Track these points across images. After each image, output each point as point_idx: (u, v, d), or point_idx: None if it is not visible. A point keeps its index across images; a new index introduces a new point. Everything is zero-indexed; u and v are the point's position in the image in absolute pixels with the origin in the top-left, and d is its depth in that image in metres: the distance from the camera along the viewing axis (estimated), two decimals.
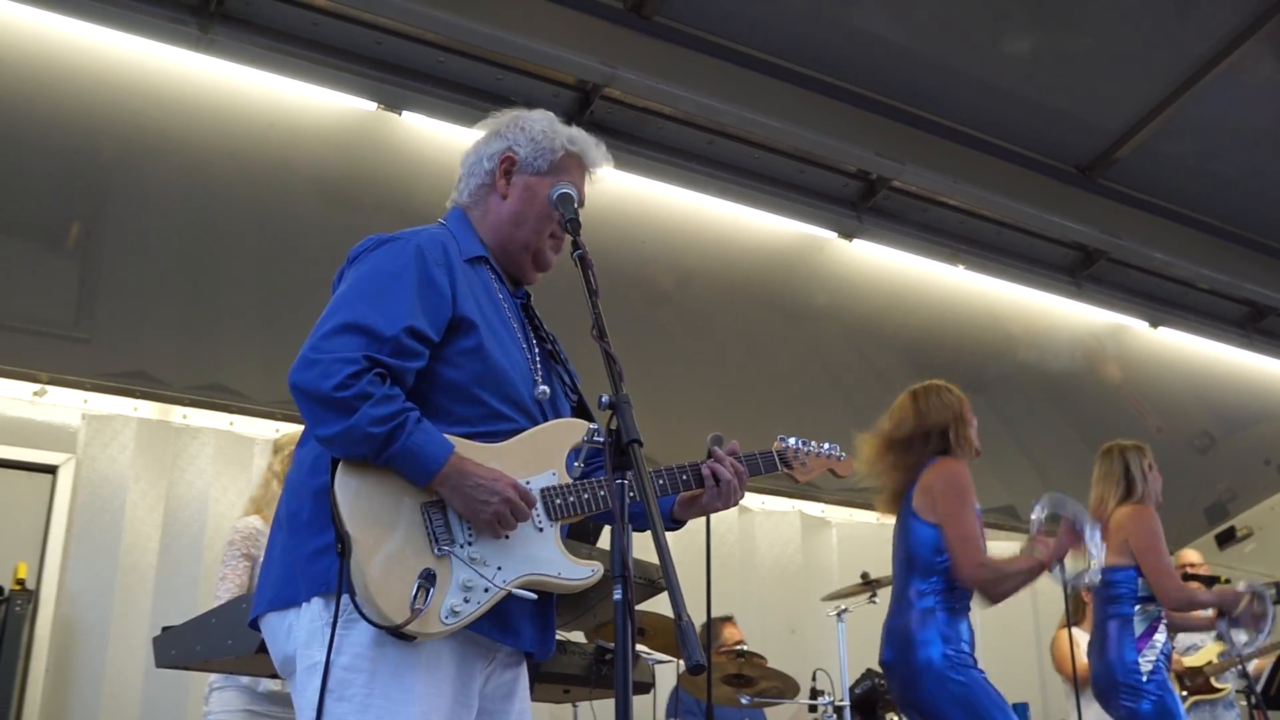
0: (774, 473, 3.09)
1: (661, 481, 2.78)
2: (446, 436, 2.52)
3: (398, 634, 2.40)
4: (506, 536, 2.55)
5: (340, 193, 6.31)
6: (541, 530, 2.63)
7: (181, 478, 6.90)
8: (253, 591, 4.68)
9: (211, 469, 6.93)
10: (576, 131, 2.97)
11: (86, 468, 6.61)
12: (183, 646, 4.04)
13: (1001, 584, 4.52)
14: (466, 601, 2.47)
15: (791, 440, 3.14)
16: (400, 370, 2.53)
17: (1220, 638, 6.72)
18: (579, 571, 2.64)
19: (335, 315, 2.57)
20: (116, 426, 6.72)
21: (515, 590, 2.54)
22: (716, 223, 6.91)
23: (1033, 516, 4.78)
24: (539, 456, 2.67)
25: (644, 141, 6.24)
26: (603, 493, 2.68)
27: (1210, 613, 5.56)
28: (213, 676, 4.83)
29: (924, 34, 6.32)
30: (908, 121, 6.74)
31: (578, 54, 5.71)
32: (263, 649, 3.67)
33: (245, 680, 4.73)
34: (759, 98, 6.20)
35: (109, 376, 6.71)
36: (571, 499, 2.66)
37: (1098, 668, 5.41)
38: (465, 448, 2.55)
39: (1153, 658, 5.23)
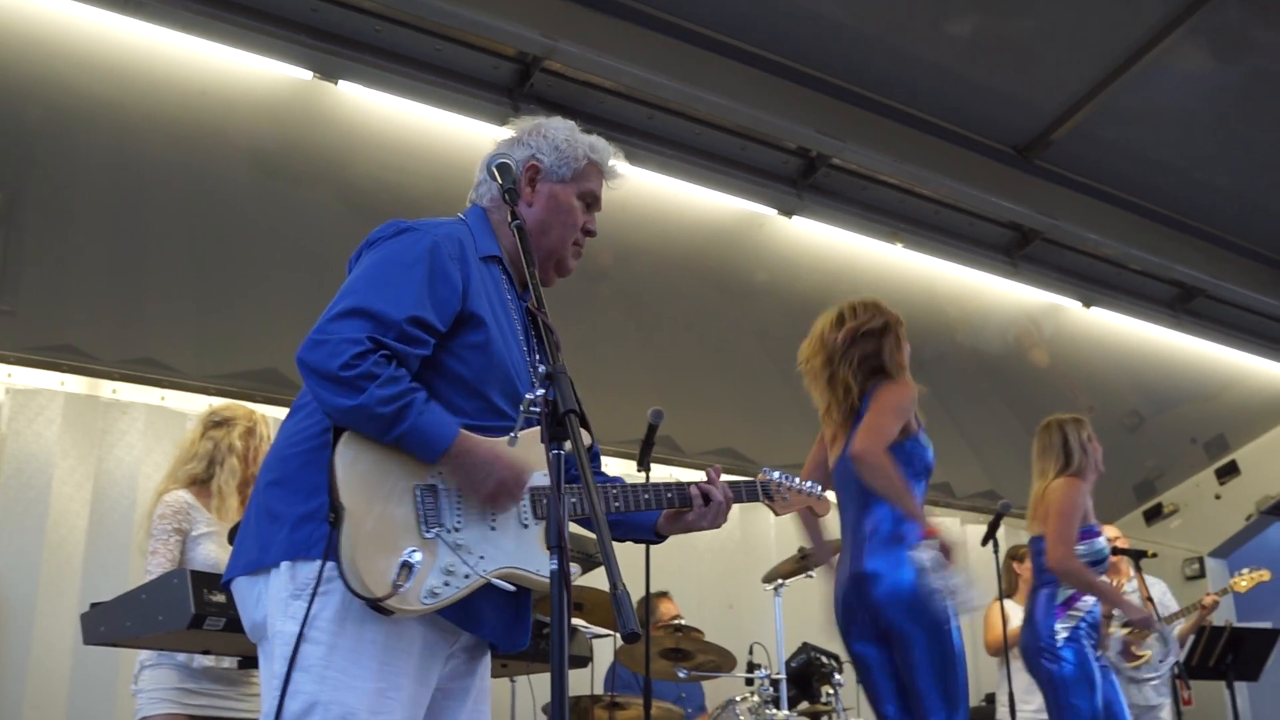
0: (754, 501, 3.19)
1: (647, 496, 2.88)
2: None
3: (376, 607, 2.45)
4: (493, 522, 2.63)
5: (274, 163, 6.22)
6: (527, 527, 2.69)
7: (111, 453, 6.78)
8: (184, 566, 4.65)
9: (142, 445, 6.82)
10: (596, 140, 3.07)
11: (11, 443, 6.46)
12: (112, 623, 3.99)
13: (875, 472, 4.47)
14: (447, 585, 2.53)
15: (775, 474, 3.23)
16: (404, 355, 2.58)
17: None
18: None
19: (345, 299, 2.63)
20: (43, 401, 6.58)
21: (494, 580, 2.59)
22: (656, 198, 6.88)
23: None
24: (531, 457, 2.69)
25: (584, 115, 6.17)
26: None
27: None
28: (143, 653, 4.75)
29: (866, 13, 6.33)
30: (849, 100, 6.76)
31: (518, 26, 5.65)
32: (195, 624, 3.66)
33: (180, 657, 4.66)
34: (701, 73, 6.18)
35: (35, 350, 6.57)
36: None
37: (1024, 634, 5.49)
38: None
39: (1071, 624, 5.29)
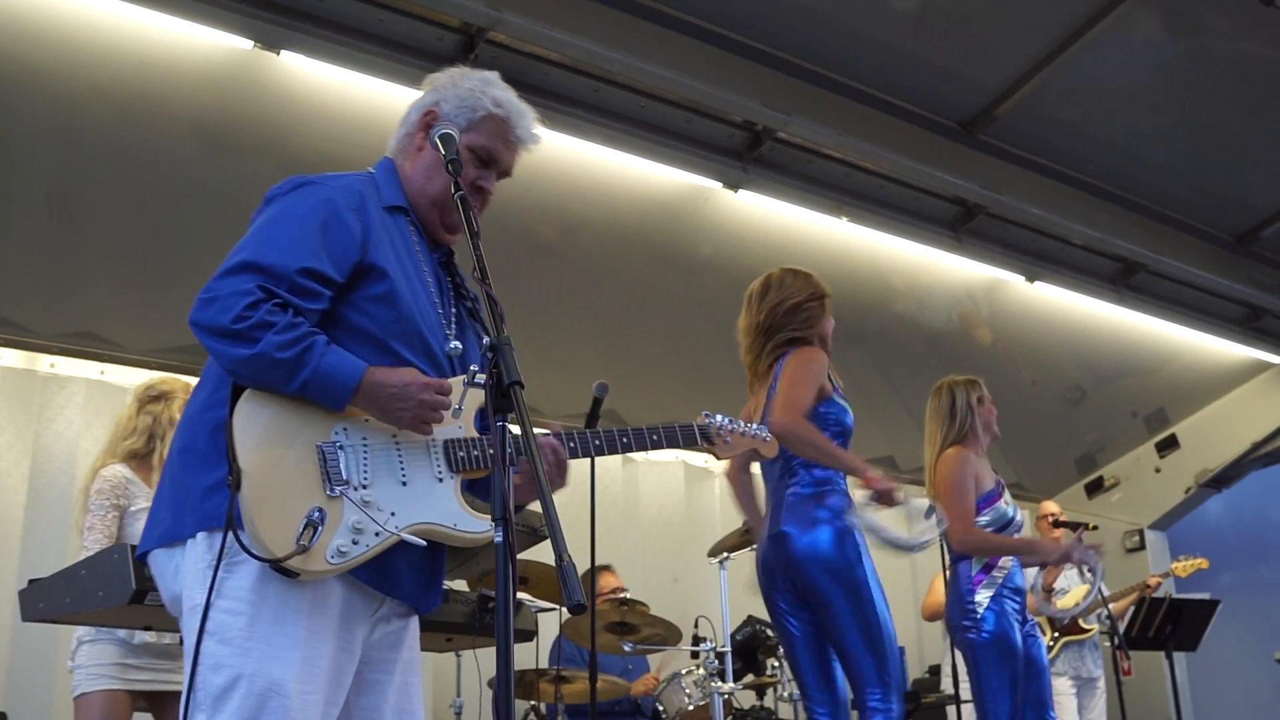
0: (693, 447, 3.10)
1: (597, 442, 2.82)
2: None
3: (280, 569, 2.38)
4: (404, 477, 2.55)
5: (215, 134, 6.14)
6: (442, 481, 2.61)
7: (49, 428, 6.71)
8: (123, 541, 4.60)
9: (81, 419, 6.76)
10: (511, 98, 2.89)
11: None
12: (51, 599, 3.94)
13: (804, 444, 4.45)
14: (355, 544, 2.45)
15: (718, 417, 3.11)
16: (298, 308, 2.49)
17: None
18: (477, 524, 2.62)
19: (235, 255, 2.55)
20: None
21: (406, 536, 2.51)
22: (602, 171, 6.86)
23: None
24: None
25: (529, 88, 6.11)
26: (511, 450, 2.62)
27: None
28: (81, 630, 4.71)
29: None
30: (794, 74, 6.75)
31: None
32: (136, 599, 3.61)
33: (121, 633, 4.62)
34: (646, 46, 6.15)
35: None
36: (475, 452, 2.65)
37: (948, 607, 5.47)
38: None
39: (990, 592, 5.24)
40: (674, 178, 7.02)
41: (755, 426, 3.22)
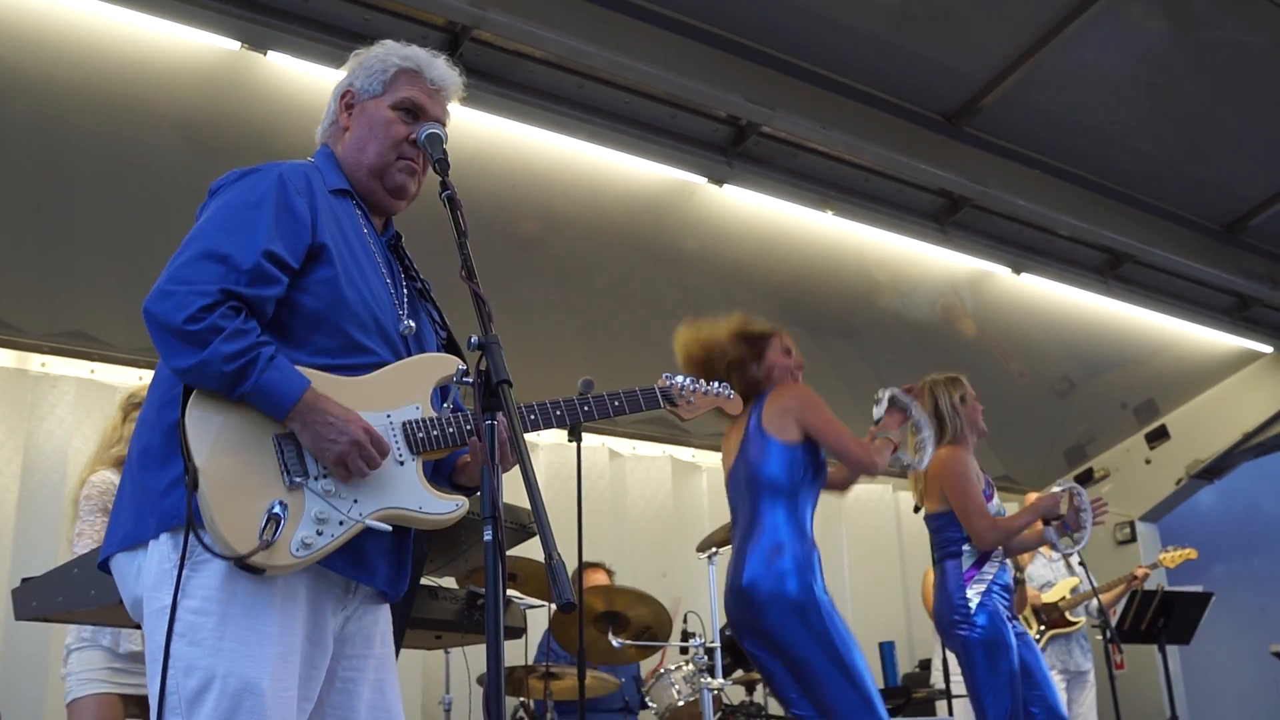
0: (655, 409, 3.08)
1: (559, 413, 2.83)
2: (303, 371, 2.49)
3: (246, 567, 2.36)
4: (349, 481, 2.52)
5: (202, 135, 6.15)
6: (403, 464, 2.60)
7: (40, 427, 6.73)
8: None
9: (72, 418, 6.78)
10: (411, 49, 2.93)
11: None
12: (43, 598, 3.95)
13: (874, 468, 4.70)
14: (320, 534, 2.44)
15: (679, 378, 3.12)
16: (258, 300, 2.50)
17: (1057, 549, 6.93)
18: (442, 505, 2.61)
19: (193, 244, 2.54)
20: None
21: (371, 523, 2.50)
22: (587, 167, 6.88)
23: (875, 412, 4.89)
24: (402, 390, 2.65)
25: (514, 85, 6.17)
26: (468, 426, 2.65)
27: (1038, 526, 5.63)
28: (70, 638, 4.75)
29: None
30: (778, 67, 6.77)
31: None
32: None
33: (106, 641, 4.65)
34: (630, 41, 6.17)
35: None
36: (435, 432, 2.65)
37: (936, 604, 5.48)
38: (324, 382, 2.52)
39: (980, 589, 5.27)
40: (659, 173, 7.03)
41: (718, 385, 3.23)
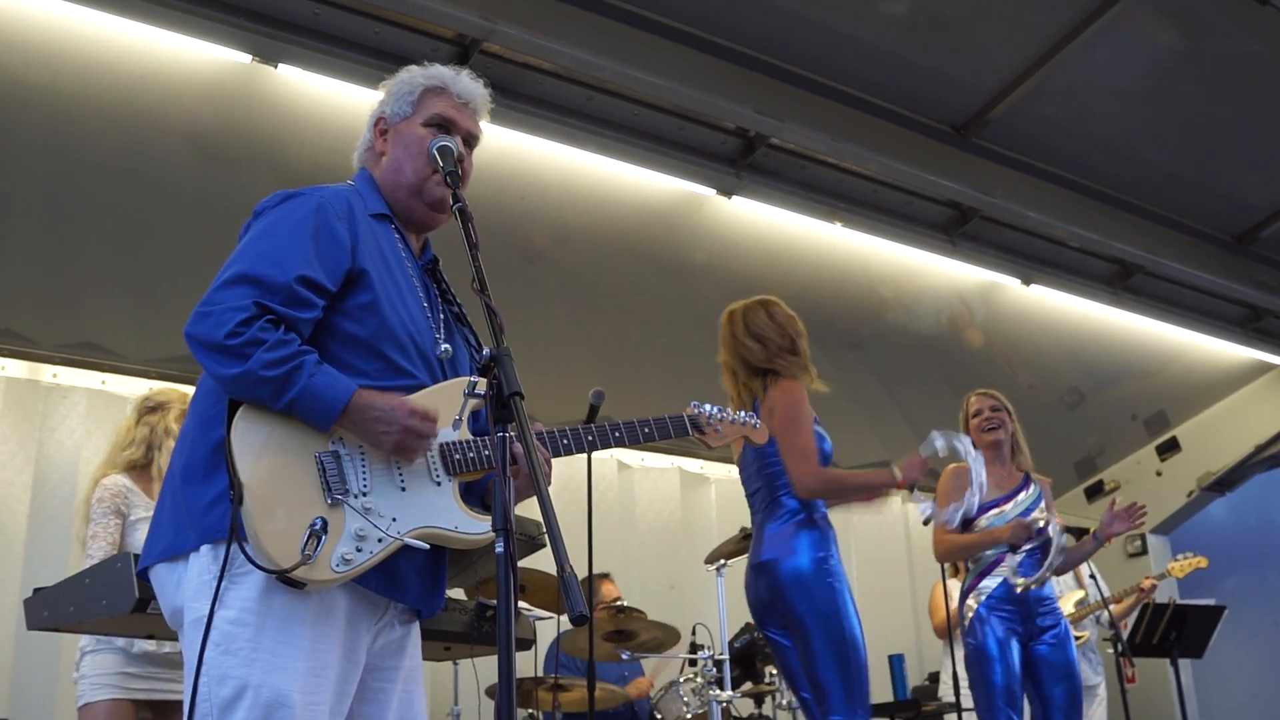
0: (684, 436, 3.15)
1: (590, 438, 2.90)
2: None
3: (287, 580, 2.41)
4: (403, 483, 2.59)
5: (213, 147, 6.19)
6: (439, 484, 2.66)
7: (52, 438, 6.76)
8: (124, 550, 4.65)
9: (83, 429, 6.80)
10: (436, 68, 2.99)
11: None
12: (55, 608, 3.98)
13: (836, 493, 4.70)
14: (359, 551, 2.49)
15: (706, 406, 3.19)
16: (293, 319, 2.54)
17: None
18: (477, 526, 2.66)
19: (230, 268, 2.60)
20: None
21: (409, 540, 2.55)
22: (595, 179, 6.89)
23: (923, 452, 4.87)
24: (439, 412, 2.67)
25: (523, 97, 6.19)
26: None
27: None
28: (84, 640, 4.77)
29: None
30: (786, 79, 6.77)
31: (456, 7, 5.63)
32: (139, 608, 3.65)
33: (120, 642, 4.67)
34: (639, 54, 6.18)
35: None
36: (471, 454, 2.70)
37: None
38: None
39: (976, 602, 5.42)
40: (667, 185, 7.04)
41: (744, 414, 3.29)
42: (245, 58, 5.71)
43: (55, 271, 6.39)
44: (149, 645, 4.68)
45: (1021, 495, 5.61)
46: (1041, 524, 5.46)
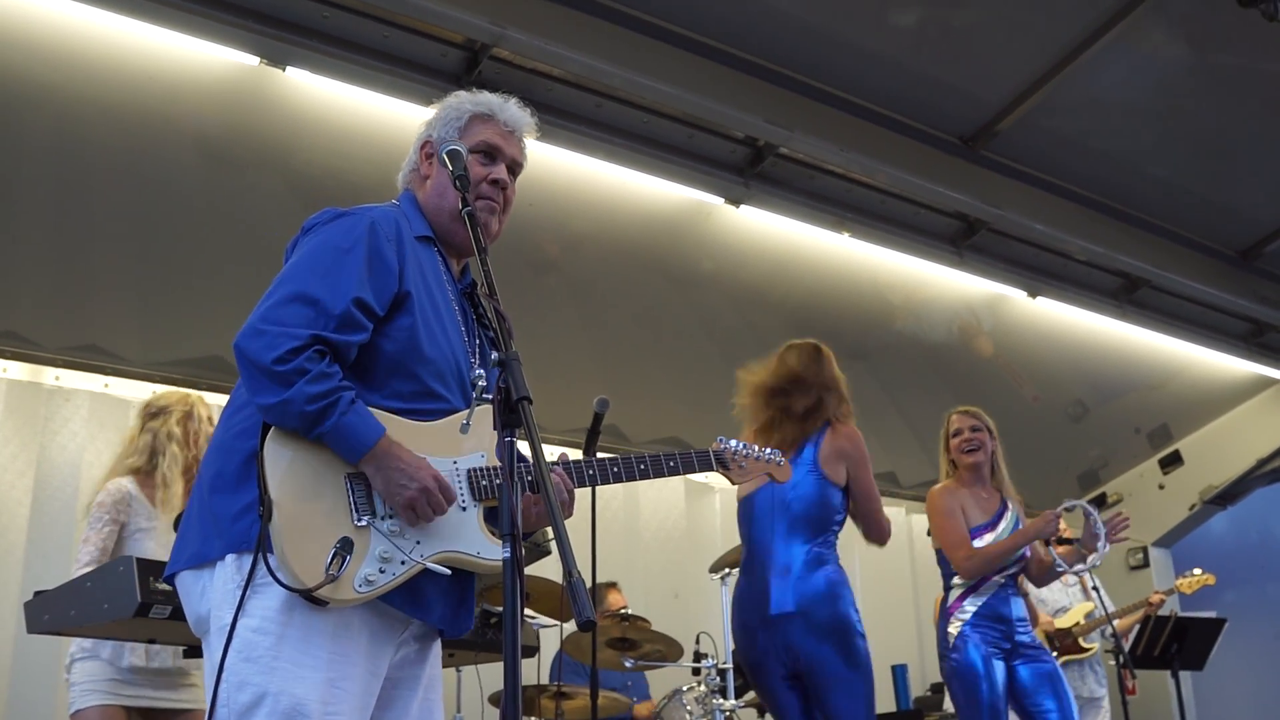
0: (709, 471, 3.19)
1: (615, 470, 2.94)
2: (378, 415, 2.57)
3: (310, 598, 2.44)
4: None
5: (221, 150, 6.17)
6: (465, 510, 2.68)
7: (54, 441, 6.73)
8: (115, 557, 4.62)
9: (85, 432, 6.78)
10: (483, 95, 3.06)
11: None
12: (56, 611, 3.96)
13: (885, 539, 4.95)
14: (382, 572, 2.52)
15: (732, 443, 3.24)
16: (344, 345, 2.58)
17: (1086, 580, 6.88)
18: (499, 552, 2.61)
19: (285, 285, 2.62)
20: None
21: (430, 565, 2.57)
22: (604, 187, 6.88)
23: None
24: (470, 438, 2.70)
25: (532, 103, 5.99)
26: (529, 477, 2.67)
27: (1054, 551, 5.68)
28: (73, 647, 4.75)
29: (814, 2, 6.31)
30: (796, 89, 6.76)
31: (466, 13, 5.61)
32: (141, 612, 3.63)
33: (106, 654, 4.64)
34: (648, 62, 6.17)
35: None
36: (498, 481, 2.65)
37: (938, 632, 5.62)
38: (398, 427, 2.60)
39: (962, 620, 5.40)
40: (676, 193, 7.02)
41: (769, 451, 3.32)
42: (253, 60, 5.69)
43: (58, 273, 6.36)
44: (138, 660, 4.66)
45: (1001, 524, 5.60)
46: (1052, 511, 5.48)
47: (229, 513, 2.54)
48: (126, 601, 3.68)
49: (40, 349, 6.69)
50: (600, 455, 2.98)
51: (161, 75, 5.71)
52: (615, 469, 2.91)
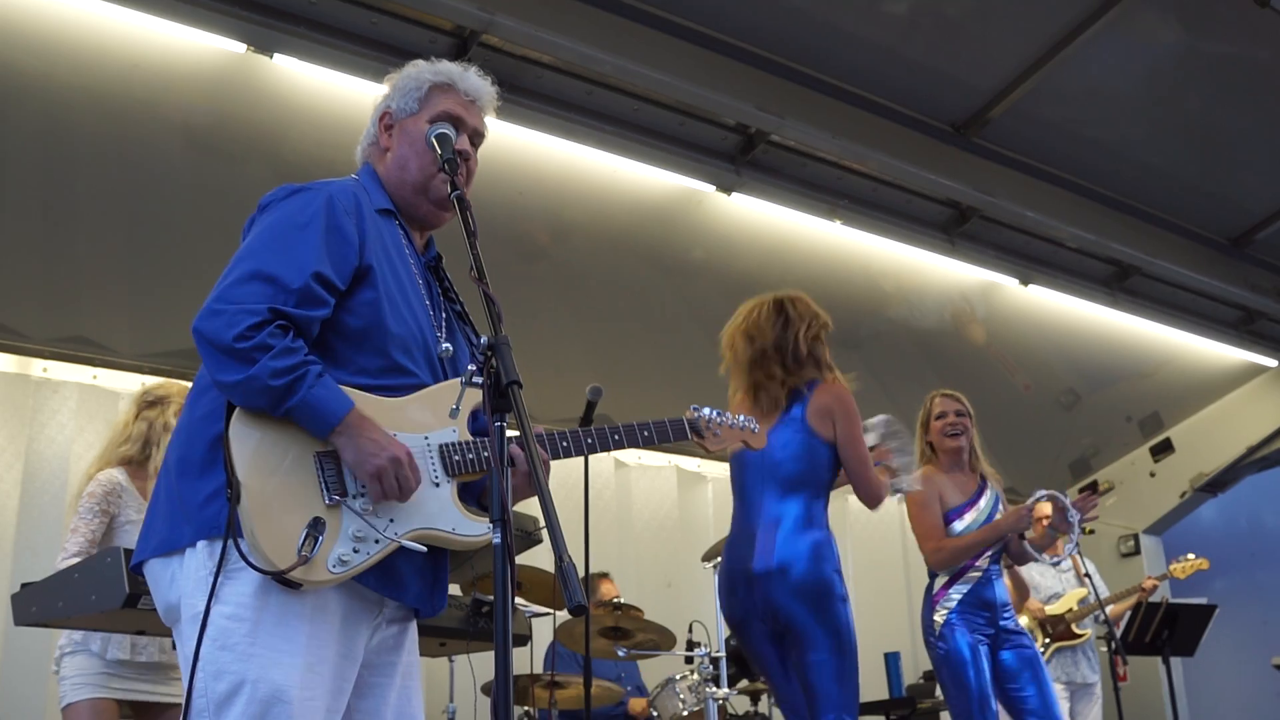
0: (683, 440, 3.11)
1: (590, 441, 2.86)
2: (346, 391, 2.52)
3: (283, 581, 2.39)
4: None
5: (208, 138, 6.13)
6: (438, 486, 2.63)
7: (42, 433, 6.70)
8: (104, 548, 4.58)
9: (74, 424, 6.74)
10: (445, 64, 2.96)
11: None
12: (44, 603, 3.93)
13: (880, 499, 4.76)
14: (356, 552, 2.47)
15: (706, 410, 3.16)
16: (305, 321, 2.52)
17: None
18: (475, 528, 2.64)
19: (242, 263, 2.56)
20: None
21: (405, 543, 2.52)
22: (594, 174, 6.86)
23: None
24: (439, 413, 2.66)
25: (522, 90, 6.15)
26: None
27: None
28: (61, 640, 4.70)
29: None
30: (787, 76, 6.74)
31: None
32: (129, 603, 3.60)
33: (95, 647, 4.60)
34: (640, 49, 6.14)
35: None
36: (470, 455, 2.67)
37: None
38: (366, 403, 2.55)
39: (947, 609, 5.37)
40: (667, 181, 7.00)
41: (744, 419, 3.24)
42: (240, 47, 5.66)
43: (46, 264, 6.32)
44: (123, 654, 4.62)
45: (982, 501, 5.58)
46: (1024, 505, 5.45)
47: (196, 498, 2.48)
48: (114, 592, 3.65)
49: (28, 340, 6.65)
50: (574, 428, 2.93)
51: (148, 63, 5.68)
52: (590, 440, 2.85)
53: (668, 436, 3.04)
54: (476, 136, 2.94)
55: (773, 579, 4.50)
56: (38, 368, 6.81)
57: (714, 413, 3.16)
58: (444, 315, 2.87)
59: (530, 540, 5.25)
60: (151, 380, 6.00)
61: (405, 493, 2.53)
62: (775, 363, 4.78)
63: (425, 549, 2.56)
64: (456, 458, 2.65)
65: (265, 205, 2.73)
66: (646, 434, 2.99)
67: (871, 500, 4.69)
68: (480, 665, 5.90)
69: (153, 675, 4.71)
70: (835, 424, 4.63)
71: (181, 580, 2.49)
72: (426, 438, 2.63)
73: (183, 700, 4.56)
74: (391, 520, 2.53)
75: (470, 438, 2.70)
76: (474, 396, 2.66)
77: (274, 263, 2.54)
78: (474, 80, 2.95)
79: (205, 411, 2.55)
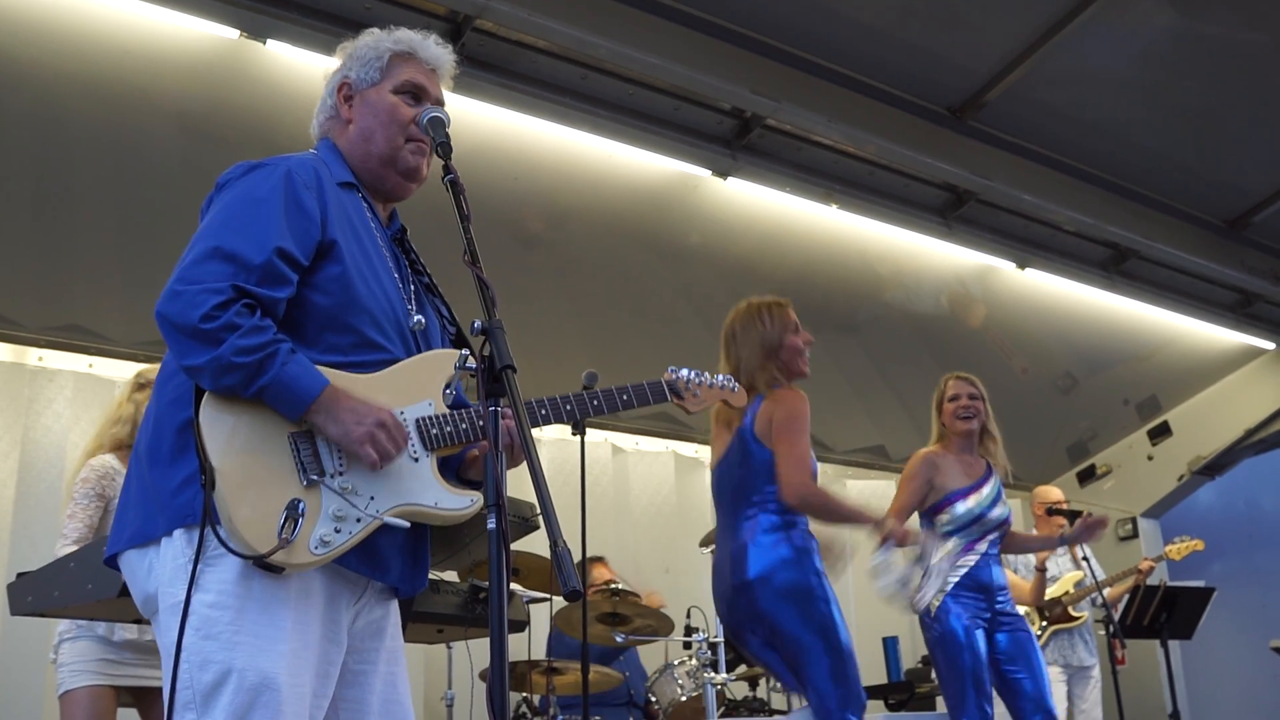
0: (663, 402, 3.07)
1: (569, 408, 2.79)
2: (320, 369, 2.46)
3: (265, 565, 2.34)
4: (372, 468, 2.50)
5: (201, 124, 6.10)
6: (417, 460, 2.58)
7: (38, 422, 6.69)
8: (100, 536, 4.57)
9: (70, 413, 6.73)
10: (404, 32, 2.92)
11: None
12: (39, 593, 3.91)
13: (823, 509, 4.59)
14: (338, 532, 2.43)
15: (684, 371, 3.11)
16: (269, 300, 2.46)
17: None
18: (457, 501, 2.60)
19: (202, 242, 2.49)
20: None
21: (388, 519, 2.49)
22: (589, 159, 6.84)
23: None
24: (414, 387, 2.62)
25: (517, 75, 6.12)
26: (480, 421, 2.62)
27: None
28: (61, 626, 4.68)
29: None
30: (783, 60, 6.72)
31: None
32: (126, 592, 3.56)
33: (100, 630, 4.59)
34: (635, 33, 6.11)
35: None
36: (449, 428, 2.62)
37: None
38: (339, 379, 2.50)
39: (939, 592, 5.39)
40: (662, 165, 6.98)
41: (722, 378, 3.22)
42: (233, 33, 5.63)
43: (41, 252, 6.30)
44: (131, 634, 4.60)
45: (986, 487, 5.58)
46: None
47: (169, 486, 2.43)
48: (110, 581, 3.63)
49: (22, 329, 6.64)
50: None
51: (140, 50, 5.65)
52: (569, 406, 2.80)
53: (647, 399, 3.00)
54: (439, 105, 2.88)
55: (754, 589, 4.48)
56: (33, 356, 6.81)
57: (692, 373, 3.12)
58: (413, 287, 2.82)
59: (528, 526, 5.25)
60: (149, 365, 5.98)
61: (398, 453, 2.50)
62: (733, 370, 4.76)
63: (408, 525, 2.53)
64: (434, 431, 2.60)
65: (223, 183, 2.67)
66: (626, 398, 2.94)
67: (788, 496, 4.51)
68: (478, 652, 5.91)
69: (157, 658, 4.70)
70: (772, 425, 4.57)
71: (159, 570, 2.45)
72: (402, 412, 2.58)
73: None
74: (373, 498, 2.48)
75: (447, 411, 2.65)
76: (445, 370, 2.66)
77: (234, 240, 2.47)
78: (434, 49, 2.91)
79: (172, 397, 2.50)
